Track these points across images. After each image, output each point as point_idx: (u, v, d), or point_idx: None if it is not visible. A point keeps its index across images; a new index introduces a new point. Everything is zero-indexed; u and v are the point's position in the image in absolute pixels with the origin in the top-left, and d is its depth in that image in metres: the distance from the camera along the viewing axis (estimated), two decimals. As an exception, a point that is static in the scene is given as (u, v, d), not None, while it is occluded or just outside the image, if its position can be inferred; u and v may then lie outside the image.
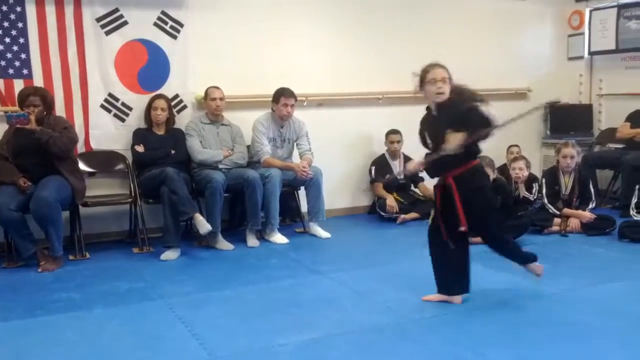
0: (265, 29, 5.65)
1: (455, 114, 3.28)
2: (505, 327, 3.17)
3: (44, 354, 2.98)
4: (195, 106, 5.45)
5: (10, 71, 4.81)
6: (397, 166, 6.04)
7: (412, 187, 6.12)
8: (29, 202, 4.30)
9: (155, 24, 5.22)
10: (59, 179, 4.47)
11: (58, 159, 4.51)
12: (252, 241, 4.99)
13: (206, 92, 5.22)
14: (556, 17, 7.05)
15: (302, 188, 5.42)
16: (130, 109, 5.20)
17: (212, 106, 5.18)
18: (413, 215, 5.79)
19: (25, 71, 4.85)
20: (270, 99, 5.30)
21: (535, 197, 5.24)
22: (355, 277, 4.10)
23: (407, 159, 6.09)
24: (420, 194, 6.06)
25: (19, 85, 4.80)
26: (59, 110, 4.89)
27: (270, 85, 5.34)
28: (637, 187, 5.11)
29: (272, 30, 5.68)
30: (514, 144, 6.19)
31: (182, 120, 5.31)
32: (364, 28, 6.07)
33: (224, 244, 4.88)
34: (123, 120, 5.20)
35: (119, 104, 5.17)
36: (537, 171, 6.03)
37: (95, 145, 5.14)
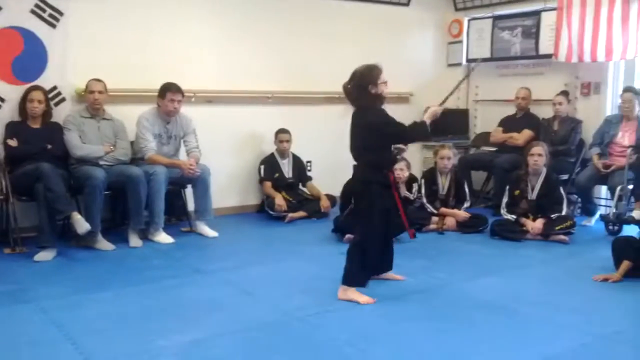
0: (153, 20, 5.50)
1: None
2: (384, 323, 3.29)
3: None
4: (75, 99, 5.21)
5: None
6: (286, 165, 6.10)
7: (300, 186, 6.21)
8: None
9: (33, 11, 4.95)
10: None
11: None
12: (135, 241, 4.85)
13: (86, 85, 5.01)
14: (437, 25, 7.41)
15: (189, 186, 5.33)
16: (2, 100, 4.89)
17: (90, 99, 4.99)
18: (301, 214, 5.87)
19: None
20: (156, 93, 5.17)
21: (415, 197, 5.48)
22: (241, 276, 4.10)
23: (296, 158, 6.19)
24: (308, 193, 6.15)
25: None
26: None
27: (157, 79, 5.21)
28: (507, 187, 5.47)
29: (160, 22, 5.54)
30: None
31: (60, 114, 5.05)
32: (255, 26, 6.07)
33: (103, 244, 4.71)
34: (-6, 112, 4.88)
35: (-11, 95, 4.85)
36: (417, 172, 6.29)
37: (-39, 138, 4.79)
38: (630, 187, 5.31)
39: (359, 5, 6.74)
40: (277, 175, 6.04)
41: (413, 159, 6.46)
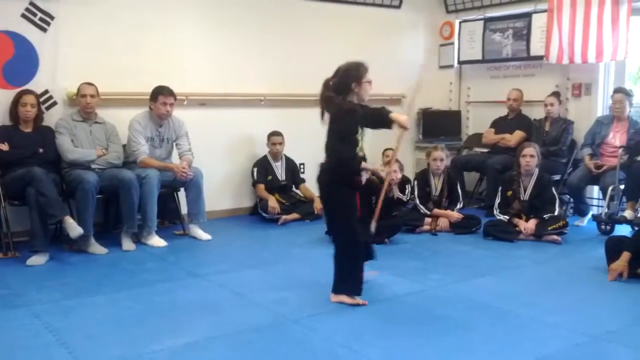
0: (144, 24, 5.49)
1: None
2: (378, 324, 3.29)
3: None
4: (66, 103, 5.19)
5: None
6: (279, 167, 6.10)
7: (293, 189, 6.20)
8: None
9: (23, 15, 4.93)
10: None
11: None
12: (128, 244, 4.83)
13: (78, 89, 4.99)
14: (429, 27, 7.43)
15: (182, 189, 5.32)
16: (-7, 104, 4.87)
17: (82, 103, 4.97)
18: (294, 216, 5.88)
19: None
20: (148, 96, 5.15)
21: (408, 198, 5.48)
22: (235, 278, 4.09)
23: (288, 160, 6.19)
24: (301, 195, 6.15)
25: None
26: None
27: (149, 82, 5.19)
28: (499, 188, 5.48)
29: (151, 25, 5.53)
30: (389, 147, 6.43)
31: (52, 118, 5.04)
32: (247, 29, 6.07)
33: (96, 248, 4.69)
34: (-15, 116, 4.85)
35: (-20, 99, 4.82)
36: (410, 173, 6.30)
37: (-48, 142, 4.75)
38: (622, 187, 5.35)
39: (351, 8, 6.75)
40: (270, 177, 6.04)
41: (405, 160, 6.48)
